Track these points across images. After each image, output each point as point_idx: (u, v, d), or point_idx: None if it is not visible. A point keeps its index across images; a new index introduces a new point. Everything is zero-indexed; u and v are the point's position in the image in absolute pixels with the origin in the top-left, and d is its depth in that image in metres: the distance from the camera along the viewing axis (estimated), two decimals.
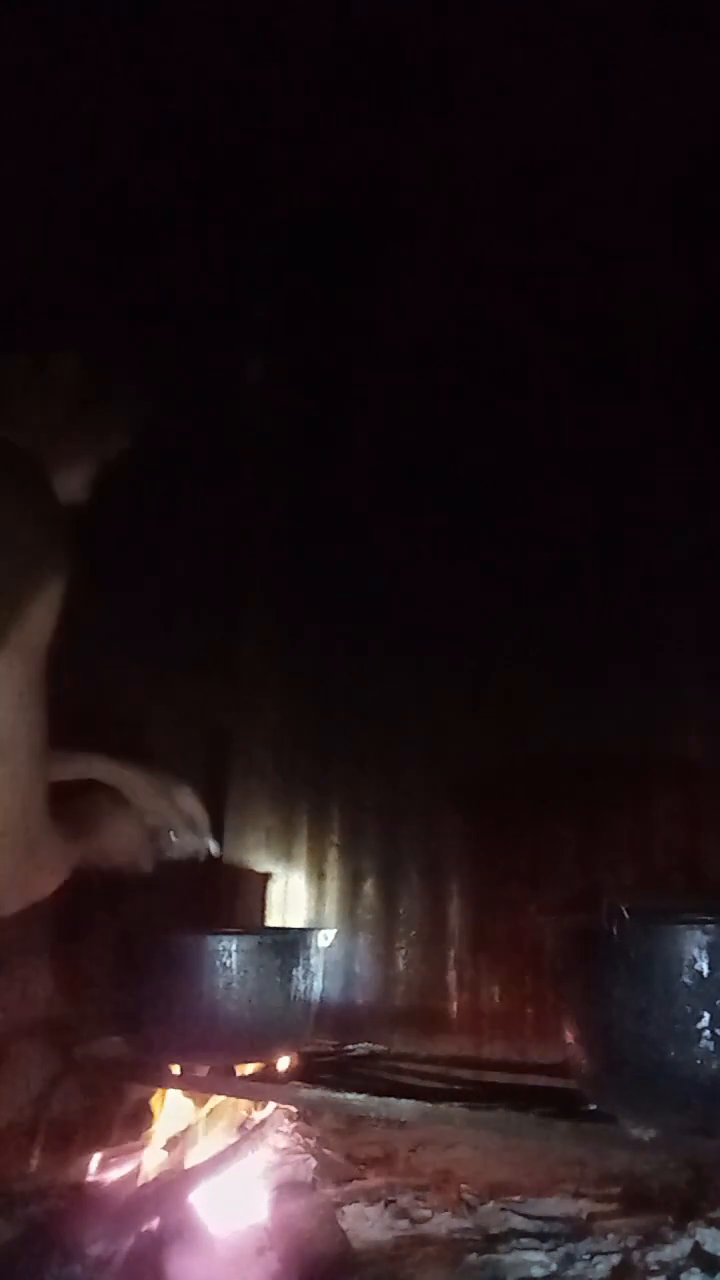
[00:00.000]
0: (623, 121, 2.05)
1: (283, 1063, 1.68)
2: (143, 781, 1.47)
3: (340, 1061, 1.86)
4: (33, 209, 1.67)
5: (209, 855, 1.58)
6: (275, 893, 2.38)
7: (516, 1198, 1.51)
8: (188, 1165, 1.55)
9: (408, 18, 1.94)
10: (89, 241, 1.72)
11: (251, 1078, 1.65)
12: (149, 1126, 1.71)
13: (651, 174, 2.12)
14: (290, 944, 1.61)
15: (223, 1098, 1.69)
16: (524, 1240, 1.36)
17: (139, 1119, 1.74)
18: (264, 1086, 1.64)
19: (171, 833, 1.52)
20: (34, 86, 1.79)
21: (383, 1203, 1.51)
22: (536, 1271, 1.30)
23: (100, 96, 1.88)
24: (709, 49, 1.87)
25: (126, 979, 1.60)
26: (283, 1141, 1.64)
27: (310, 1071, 1.70)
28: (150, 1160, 1.59)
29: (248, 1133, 1.63)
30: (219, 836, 1.58)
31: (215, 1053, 1.58)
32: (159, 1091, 1.72)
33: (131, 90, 1.92)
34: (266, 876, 2.37)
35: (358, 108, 2.10)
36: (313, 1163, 1.61)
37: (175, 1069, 1.64)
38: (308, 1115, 1.78)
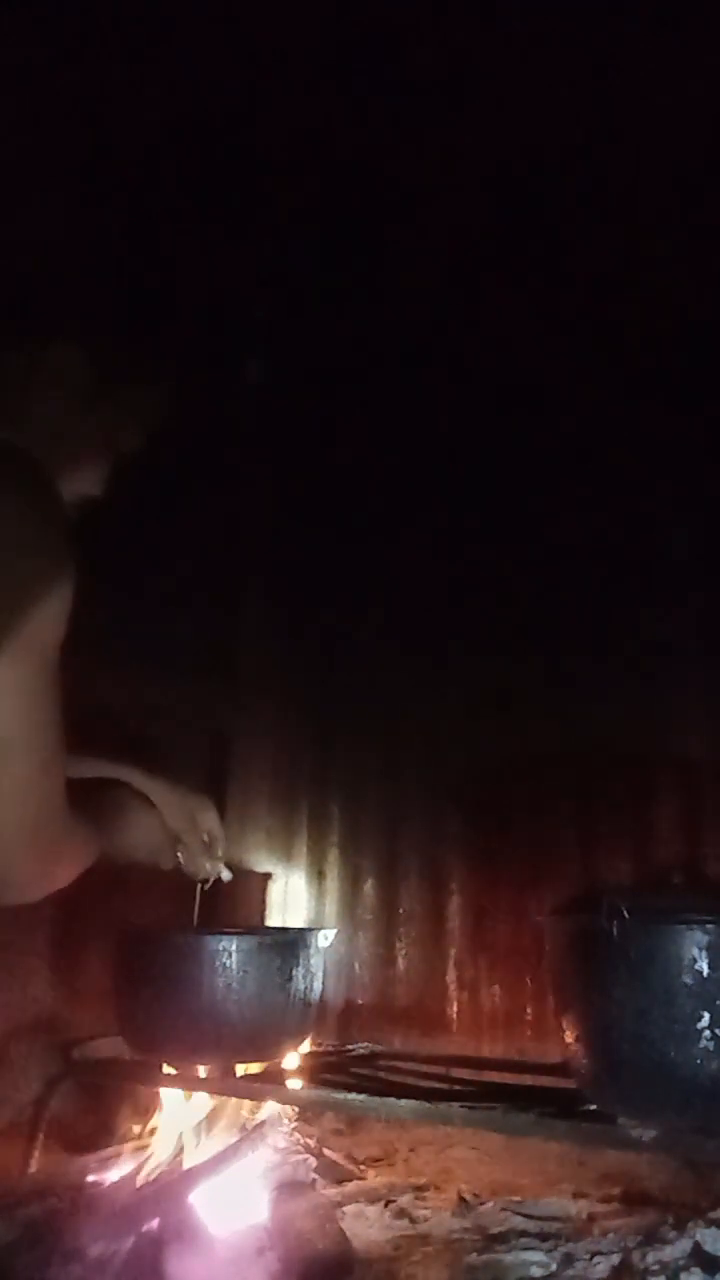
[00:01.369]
0: (623, 121, 2.05)
1: (283, 1063, 1.68)
2: (168, 795, 1.47)
3: (340, 1061, 1.85)
4: (35, 206, 1.67)
5: (217, 880, 1.57)
6: (275, 893, 2.38)
7: (516, 1198, 1.51)
8: (188, 1165, 1.55)
9: (408, 17, 1.94)
10: (93, 238, 1.71)
11: (251, 1078, 1.65)
12: (149, 1126, 1.71)
13: (653, 173, 2.12)
14: (290, 944, 1.61)
15: (223, 1098, 1.69)
16: (524, 1240, 1.37)
17: (139, 1119, 1.74)
18: (264, 1086, 1.64)
19: (181, 853, 1.51)
20: (34, 85, 1.79)
21: (383, 1203, 1.52)
22: (536, 1271, 1.30)
23: (100, 96, 1.88)
24: (709, 49, 1.87)
25: (126, 979, 1.60)
26: (283, 1141, 1.64)
27: (310, 1071, 1.70)
28: (150, 1160, 1.59)
29: (248, 1133, 1.63)
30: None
31: (215, 1053, 1.58)
32: (159, 1091, 1.72)
33: (132, 89, 1.92)
34: (266, 876, 2.37)
35: (359, 107, 2.10)
36: (313, 1163, 1.61)
37: (175, 1069, 1.64)
38: (308, 1115, 1.78)
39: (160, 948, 1.58)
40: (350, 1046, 1.96)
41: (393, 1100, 1.47)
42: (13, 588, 0.98)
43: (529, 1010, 2.08)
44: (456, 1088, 1.61)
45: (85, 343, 1.18)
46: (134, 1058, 1.65)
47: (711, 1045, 1.15)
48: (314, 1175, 1.58)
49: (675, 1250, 1.30)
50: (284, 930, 2.22)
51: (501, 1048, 2.07)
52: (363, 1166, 1.71)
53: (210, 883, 1.57)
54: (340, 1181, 1.61)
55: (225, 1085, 1.63)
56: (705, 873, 1.96)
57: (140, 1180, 1.52)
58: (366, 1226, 1.45)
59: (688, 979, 1.16)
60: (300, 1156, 1.61)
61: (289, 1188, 1.50)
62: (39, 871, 1.10)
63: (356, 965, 2.29)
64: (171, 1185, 1.45)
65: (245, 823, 2.39)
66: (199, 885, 1.58)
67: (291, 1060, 1.70)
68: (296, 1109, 1.74)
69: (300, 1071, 1.69)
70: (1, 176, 1.71)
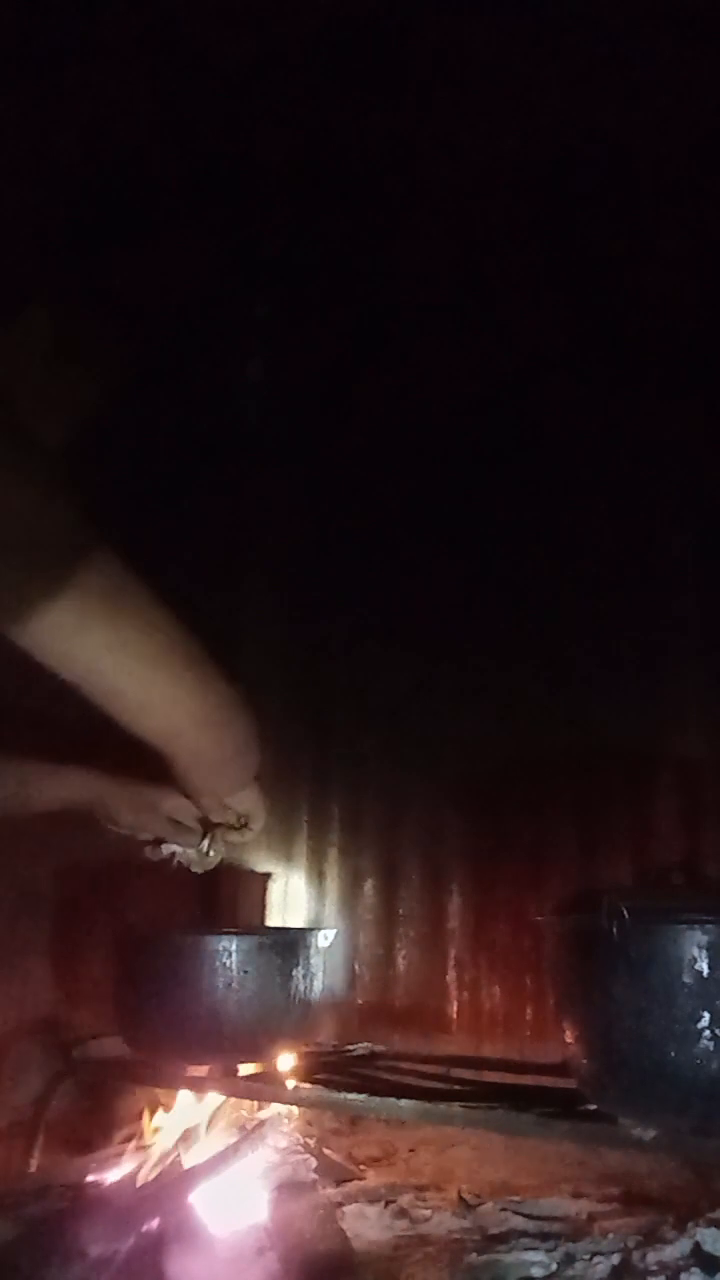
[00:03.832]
0: (623, 119, 2.05)
1: (283, 1063, 1.68)
2: (125, 796, 1.41)
3: (340, 1061, 1.85)
4: (32, 203, 1.67)
5: (214, 857, 1.52)
6: (275, 893, 2.38)
7: (516, 1198, 1.51)
8: (188, 1165, 1.55)
9: (408, 17, 1.94)
10: (89, 235, 1.72)
11: (251, 1078, 1.65)
12: (149, 1126, 1.71)
13: (655, 171, 2.11)
14: (290, 944, 1.61)
15: (223, 1098, 1.69)
16: (524, 1240, 1.36)
17: (139, 1119, 1.74)
18: (264, 1086, 1.63)
19: (163, 845, 1.47)
20: (33, 83, 1.79)
21: (383, 1203, 1.51)
22: (536, 1271, 1.29)
23: (100, 94, 1.88)
24: (710, 49, 1.87)
25: (126, 979, 1.60)
26: (283, 1141, 1.64)
27: (310, 1071, 1.70)
28: (150, 1160, 1.59)
29: (248, 1133, 1.63)
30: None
31: (215, 1053, 1.58)
32: (159, 1091, 1.72)
33: (131, 87, 1.92)
34: (266, 876, 2.37)
35: (359, 107, 2.10)
36: (313, 1163, 1.61)
37: (175, 1069, 1.64)
38: (308, 1115, 1.78)
39: (160, 948, 1.58)
40: (350, 1046, 1.96)
41: (393, 1100, 1.46)
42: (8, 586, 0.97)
43: (529, 1010, 2.08)
44: (456, 1088, 1.61)
45: (51, 308, 1.18)
46: (134, 1058, 1.65)
47: (711, 1045, 1.15)
48: (314, 1175, 1.58)
49: (675, 1250, 1.30)
50: (284, 930, 2.22)
51: (501, 1048, 2.07)
52: (363, 1166, 1.71)
53: (210, 859, 1.48)
54: (340, 1181, 1.61)
55: (225, 1085, 1.63)
56: (705, 873, 1.96)
57: (140, 1180, 1.52)
58: (366, 1226, 1.44)
59: (688, 979, 1.16)
60: (300, 1156, 1.61)
61: (289, 1188, 1.50)
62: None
63: (356, 965, 2.29)
64: (171, 1185, 1.44)
65: None
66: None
67: (291, 1060, 1.70)
68: (296, 1109, 1.73)
69: (300, 1071, 1.69)
70: None
